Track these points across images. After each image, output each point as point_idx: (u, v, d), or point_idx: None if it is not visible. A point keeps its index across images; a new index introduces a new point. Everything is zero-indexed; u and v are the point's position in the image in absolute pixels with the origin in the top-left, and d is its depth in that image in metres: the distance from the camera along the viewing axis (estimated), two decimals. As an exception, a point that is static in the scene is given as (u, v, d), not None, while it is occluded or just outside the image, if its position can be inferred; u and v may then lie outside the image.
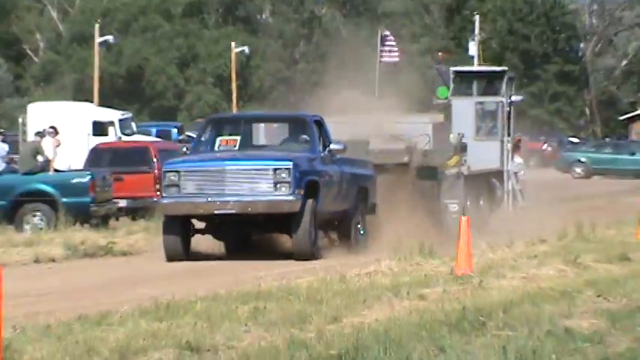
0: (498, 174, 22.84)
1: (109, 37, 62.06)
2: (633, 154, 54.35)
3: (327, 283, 10.37)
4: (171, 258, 14.54)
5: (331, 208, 15.88)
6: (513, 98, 23.70)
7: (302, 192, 14.35)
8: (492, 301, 8.95)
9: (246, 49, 71.53)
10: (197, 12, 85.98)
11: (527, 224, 18.95)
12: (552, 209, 21.67)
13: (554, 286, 10.49)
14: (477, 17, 48.87)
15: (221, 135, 16.41)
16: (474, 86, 23.74)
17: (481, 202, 21.70)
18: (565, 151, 60.03)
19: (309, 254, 14.32)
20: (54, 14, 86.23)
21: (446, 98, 23.34)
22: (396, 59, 22.28)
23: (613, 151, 56.95)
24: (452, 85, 23.56)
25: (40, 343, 6.11)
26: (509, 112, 23.24)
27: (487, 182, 22.57)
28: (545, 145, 62.95)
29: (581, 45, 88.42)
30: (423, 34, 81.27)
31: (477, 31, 45.69)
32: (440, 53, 25.79)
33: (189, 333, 6.50)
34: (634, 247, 14.86)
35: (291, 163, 14.53)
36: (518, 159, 25.58)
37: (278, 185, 14.33)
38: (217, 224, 15.19)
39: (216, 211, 14.56)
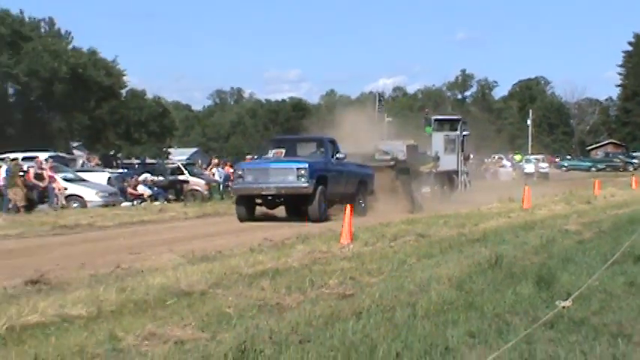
0: (455, 172, 36.54)
1: None
2: None
3: (464, 215, 21.13)
4: (241, 220, 22.53)
5: (338, 191, 23.46)
6: (464, 133, 37.79)
7: (314, 182, 21.62)
8: (537, 219, 20.05)
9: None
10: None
11: (475, 198, 31.08)
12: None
13: (561, 212, 22.58)
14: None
15: (275, 148, 24.89)
16: (444, 126, 38.27)
17: (444, 188, 34.64)
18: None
19: (318, 219, 21.38)
20: None
21: (430, 133, 37.23)
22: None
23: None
24: (433, 126, 37.71)
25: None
26: (462, 140, 37.46)
27: (449, 176, 35.74)
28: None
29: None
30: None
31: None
32: (427, 110, 42.09)
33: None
34: (594, 198, 29.14)
35: (307, 164, 21.93)
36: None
37: (299, 177, 21.67)
38: (266, 200, 23.14)
39: (262, 192, 22.47)
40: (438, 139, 36.71)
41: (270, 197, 22.77)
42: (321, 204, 22.02)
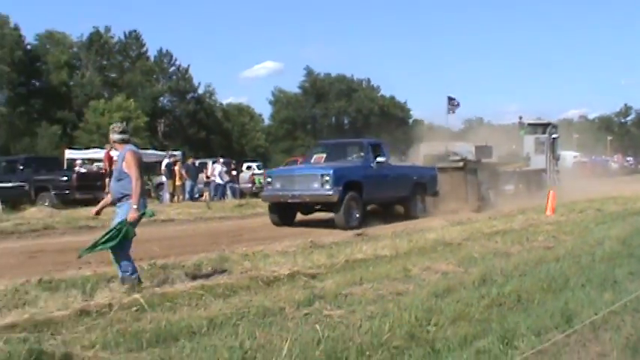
0: (544, 171, 36.97)
1: None
2: None
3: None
4: (275, 224, 21.78)
5: (383, 195, 22.89)
6: (553, 136, 38.25)
7: (340, 188, 20.15)
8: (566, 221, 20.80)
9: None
10: None
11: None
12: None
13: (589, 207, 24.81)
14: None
15: (318, 153, 23.61)
16: (536, 130, 38.80)
17: (531, 185, 34.76)
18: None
19: (344, 227, 19.79)
20: None
21: (522, 135, 38.55)
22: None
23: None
24: (525, 129, 38.94)
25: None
26: (552, 142, 38.08)
27: (537, 175, 36.21)
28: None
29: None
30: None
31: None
32: (520, 116, 41.12)
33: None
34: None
35: (332, 170, 20.53)
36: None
37: (323, 184, 20.32)
38: (299, 207, 22.06)
39: (289, 200, 21.24)
40: (529, 141, 38.11)
41: (296, 203, 21.50)
42: (351, 211, 20.60)
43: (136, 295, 8.57)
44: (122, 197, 9.43)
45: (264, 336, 6.70)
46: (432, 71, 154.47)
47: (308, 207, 22.04)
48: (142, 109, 79.70)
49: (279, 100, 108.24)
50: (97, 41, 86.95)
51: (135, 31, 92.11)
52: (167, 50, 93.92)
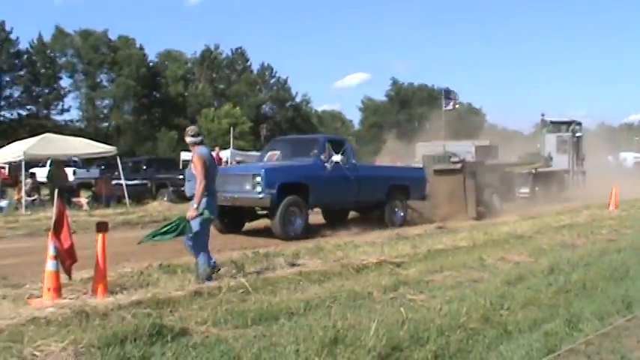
0: (566, 172, 32.26)
1: None
2: None
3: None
4: (220, 231, 16.46)
5: (336, 200, 17.69)
6: (577, 134, 33.51)
7: (274, 191, 15.48)
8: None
9: None
10: None
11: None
12: None
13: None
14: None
15: (270, 151, 18.91)
16: (559, 128, 34.03)
17: (551, 187, 29.75)
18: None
19: (281, 236, 15.46)
20: None
21: (544, 134, 33.93)
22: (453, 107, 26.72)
23: None
24: (548, 128, 34.19)
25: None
26: (576, 142, 33.41)
27: (558, 176, 31.11)
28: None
29: None
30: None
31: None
32: (543, 113, 35.58)
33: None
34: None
35: (263, 170, 15.88)
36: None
37: (255, 186, 15.62)
38: (236, 211, 16.73)
39: (222, 203, 15.13)
40: (551, 140, 33.29)
41: (229, 207, 16.20)
42: (290, 218, 15.91)
43: (242, 280, 8.71)
44: (192, 196, 9.21)
45: (354, 317, 6.72)
46: (506, 78, 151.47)
47: (249, 212, 17.10)
48: (247, 115, 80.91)
49: (368, 107, 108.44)
50: (208, 57, 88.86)
51: (240, 47, 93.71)
52: (268, 64, 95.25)
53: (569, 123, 34.21)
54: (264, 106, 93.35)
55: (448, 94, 26.36)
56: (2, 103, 76.92)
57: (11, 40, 76.15)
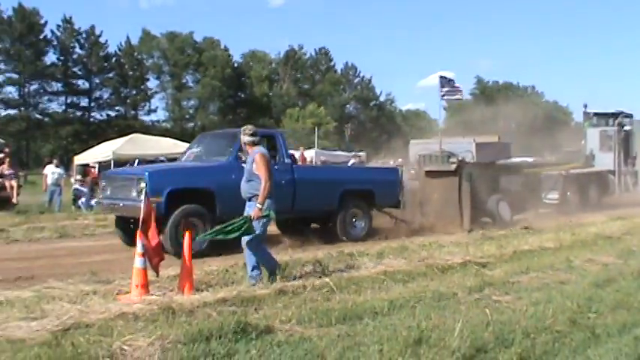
0: (611, 173, 26.96)
1: None
2: None
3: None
4: (126, 243, 13.55)
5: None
6: (625, 128, 28.01)
7: (162, 200, 12.19)
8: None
9: None
10: None
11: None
12: None
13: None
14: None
15: (192, 149, 15.48)
16: (605, 121, 28.70)
17: (590, 191, 25.05)
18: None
19: (171, 251, 11.69)
20: None
21: (586, 129, 28.81)
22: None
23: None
24: (591, 121, 29.06)
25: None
26: (625, 137, 27.90)
27: (601, 178, 26.20)
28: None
29: None
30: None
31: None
32: (585, 103, 30.00)
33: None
34: None
35: (148, 173, 12.74)
36: None
37: (139, 193, 12.07)
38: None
39: (113, 213, 14.11)
40: (594, 135, 27.85)
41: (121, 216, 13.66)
42: (179, 231, 11.98)
43: (327, 279, 8.76)
44: (252, 197, 8.98)
45: (439, 318, 6.69)
46: (593, 75, 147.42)
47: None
48: (331, 115, 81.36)
49: (452, 105, 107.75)
50: (292, 58, 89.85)
51: (324, 47, 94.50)
52: (352, 63, 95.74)
53: (615, 115, 28.51)
54: (348, 105, 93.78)
55: (446, 82, 21.12)
56: (92, 104, 79.95)
57: (100, 44, 79.13)
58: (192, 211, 12.57)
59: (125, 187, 13.04)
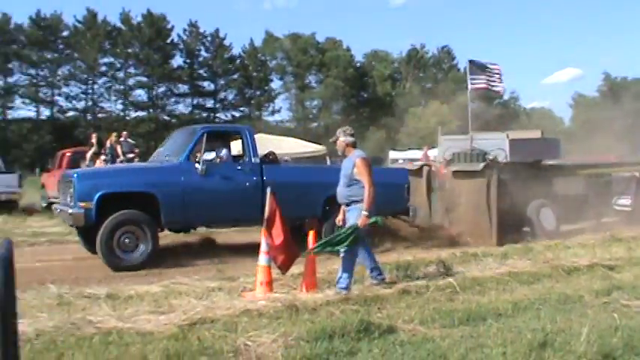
0: None
1: None
2: None
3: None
4: (90, 251, 12.05)
5: (210, 217, 11.95)
6: None
7: (91, 206, 10.70)
8: None
9: None
10: None
11: None
12: None
13: None
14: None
15: (162, 147, 13.71)
16: None
17: None
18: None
19: (108, 265, 10.83)
20: None
21: None
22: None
23: None
24: None
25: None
26: None
27: None
28: None
29: None
30: None
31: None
32: None
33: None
34: None
35: (76, 175, 11.27)
36: None
37: (71, 198, 10.98)
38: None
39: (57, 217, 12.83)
40: None
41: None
42: (124, 242, 10.96)
43: (450, 279, 8.72)
44: (350, 202, 8.44)
45: (564, 321, 6.54)
46: None
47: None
48: (454, 114, 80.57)
49: (579, 103, 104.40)
50: (414, 57, 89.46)
51: (446, 46, 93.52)
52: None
53: None
54: (471, 103, 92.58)
55: (478, 66, 18.75)
56: (217, 105, 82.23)
57: (225, 46, 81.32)
58: (128, 219, 11.06)
59: (65, 190, 11.61)
